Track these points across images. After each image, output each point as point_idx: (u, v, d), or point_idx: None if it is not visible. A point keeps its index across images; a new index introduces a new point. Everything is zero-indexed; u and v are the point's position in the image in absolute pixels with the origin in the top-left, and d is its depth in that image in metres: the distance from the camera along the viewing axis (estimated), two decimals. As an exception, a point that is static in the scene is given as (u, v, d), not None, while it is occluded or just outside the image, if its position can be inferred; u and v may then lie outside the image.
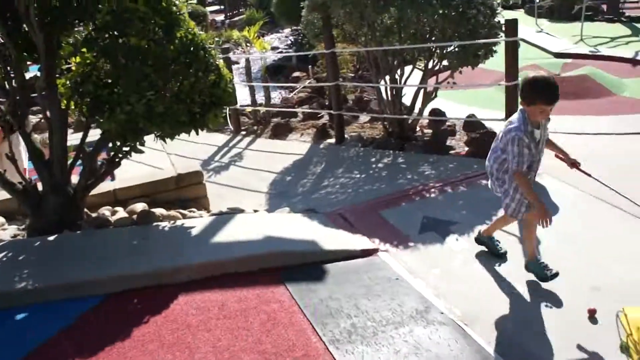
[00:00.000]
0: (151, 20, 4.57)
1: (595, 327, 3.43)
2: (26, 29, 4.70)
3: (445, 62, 7.41)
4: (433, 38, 7.21)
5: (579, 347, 3.29)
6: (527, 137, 3.62)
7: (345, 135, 8.20)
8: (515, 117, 3.72)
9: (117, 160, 4.86)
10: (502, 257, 4.30)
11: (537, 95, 3.57)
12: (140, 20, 4.53)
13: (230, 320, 3.68)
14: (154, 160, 7.84)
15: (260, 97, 10.97)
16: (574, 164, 3.82)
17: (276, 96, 12.17)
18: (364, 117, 9.14)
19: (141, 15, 4.50)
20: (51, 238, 4.58)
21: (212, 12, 27.14)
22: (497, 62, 7.64)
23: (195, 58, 4.75)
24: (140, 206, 5.12)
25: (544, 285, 3.89)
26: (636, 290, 3.69)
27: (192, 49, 4.76)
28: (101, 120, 4.51)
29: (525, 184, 3.71)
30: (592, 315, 3.49)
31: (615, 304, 3.50)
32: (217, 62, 4.99)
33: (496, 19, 7.02)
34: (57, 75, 4.78)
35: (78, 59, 4.77)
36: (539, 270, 3.91)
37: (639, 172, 5.64)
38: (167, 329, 3.59)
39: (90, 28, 4.77)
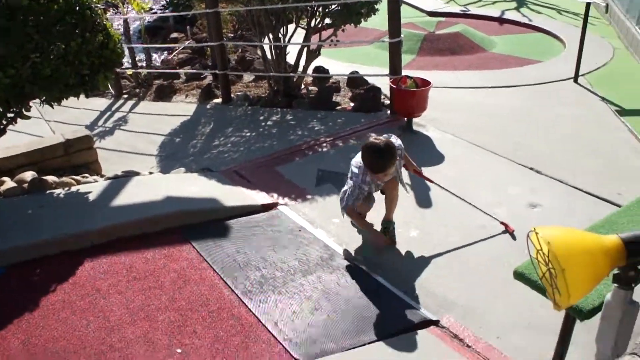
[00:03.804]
0: (31, -23, 4.35)
1: (487, 265, 3.81)
2: None
3: (327, 21, 7.55)
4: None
5: (475, 286, 3.64)
6: (367, 186, 3.86)
7: (232, 95, 8.19)
8: (359, 165, 3.84)
9: (2, 127, 4.62)
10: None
11: (366, 164, 3.73)
12: (19, -23, 4.29)
13: (140, 281, 3.70)
14: (31, 127, 7.46)
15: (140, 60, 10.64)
16: (415, 171, 4.33)
17: (155, 58, 11.82)
18: (248, 77, 9.14)
19: (20, -29, 4.27)
20: None
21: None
22: (373, 21, 7.93)
23: (82, 18, 4.58)
24: (29, 175, 4.89)
25: (439, 227, 4.23)
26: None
27: (77, 8, 4.58)
28: (-18, 85, 4.26)
29: (356, 218, 4.02)
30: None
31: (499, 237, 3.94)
32: (104, 22, 4.83)
33: (375, -22, 7.25)
34: None
35: (-52, 20, 4.45)
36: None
37: (507, 120, 6.18)
38: (76, 295, 3.55)
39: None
